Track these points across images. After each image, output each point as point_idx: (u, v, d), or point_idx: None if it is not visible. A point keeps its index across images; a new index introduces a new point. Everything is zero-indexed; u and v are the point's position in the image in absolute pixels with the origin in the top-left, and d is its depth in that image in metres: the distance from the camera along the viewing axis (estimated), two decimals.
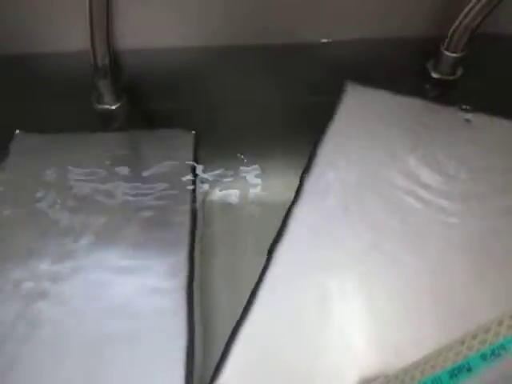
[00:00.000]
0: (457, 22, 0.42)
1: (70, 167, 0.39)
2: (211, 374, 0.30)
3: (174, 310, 0.32)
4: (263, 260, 0.34)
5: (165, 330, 0.32)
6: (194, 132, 0.42)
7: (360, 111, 0.43)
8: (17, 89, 0.46)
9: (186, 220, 0.37)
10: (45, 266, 0.34)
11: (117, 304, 0.33)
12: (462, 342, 0.26)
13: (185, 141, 0.41)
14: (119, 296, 0.33)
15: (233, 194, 0.39)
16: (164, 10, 0.45)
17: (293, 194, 0.37)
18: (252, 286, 0.33)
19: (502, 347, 0.25)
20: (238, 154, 0.41)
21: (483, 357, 0.25)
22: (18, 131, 0.42)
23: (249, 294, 0.33)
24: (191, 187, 0.38)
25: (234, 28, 0.47)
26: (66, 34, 0.46)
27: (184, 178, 0.39)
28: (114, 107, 0.44)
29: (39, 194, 0.38)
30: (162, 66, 0.47)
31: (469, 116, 0.42)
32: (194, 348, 0.31)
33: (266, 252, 0.35)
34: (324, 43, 0.49)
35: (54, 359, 0.31)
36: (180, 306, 0.32)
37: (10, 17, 0.45)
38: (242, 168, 0.40)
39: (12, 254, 0.35)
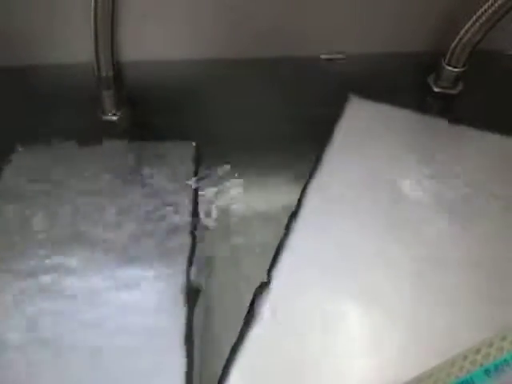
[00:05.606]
0: (458, 38, 0.42)
1: (70, 179, 0.39)
2: None
3: (172, 326, 0.32)
4: (262, 270, 0.34)
5: (164, 343, 0.32)
6: (194, 144, 0.42)
7: (362, 124, 0.43)
8: (19, 100, 0.46)
9: (186, 231, 0.36)
10: (39, 279, 0.34)
11: (116, 318, 0.33)
12: (465, 357, 0.26)
13: (186, 152, 0.42)
14: (118, 310, 0.33)
15: (234, 206, 0.39)
16: (167, 24, 0.46)
17: (294, 204, 0.38)
18: (252, 294, 0.33)
19: (506, 362, 0.24)
20: (239, 166, 0.41)
21: (487, 372, 0.24)
22: (19, 148, 0.41)
23: (247, 309, 0.33)
24: (192, 198, 0.38)
25: (236, 42, 0.47)
26: (68, 46, 0.46)
27: (185, 189, 0.39)
28: (116, 118, 0.44)
29: (37, 205, 0.38)
30: (164, 78, 0.48)
31: (469, 130, 0.43)
32: (193, 362, 0.31)
33: (265, 262, 0.35)
34: (327, 57, 0.49)
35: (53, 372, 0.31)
36: (180, 323, 0.32)
37: (13, 29, 0.45)
38: (243, 180, 0.40)
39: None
